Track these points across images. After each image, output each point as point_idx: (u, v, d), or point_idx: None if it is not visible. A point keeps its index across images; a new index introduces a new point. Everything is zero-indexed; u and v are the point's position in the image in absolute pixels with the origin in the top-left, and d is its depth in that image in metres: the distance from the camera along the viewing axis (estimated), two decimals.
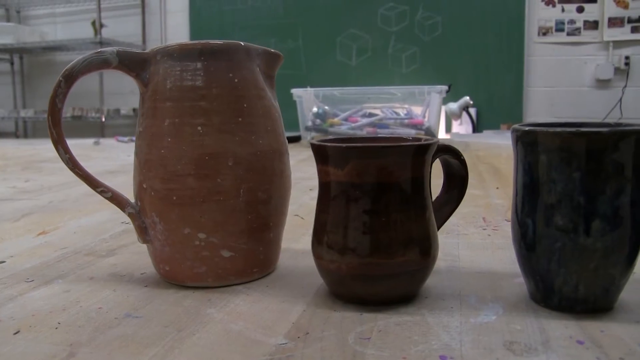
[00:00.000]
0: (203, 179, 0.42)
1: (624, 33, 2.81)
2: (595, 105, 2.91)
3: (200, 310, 0.40)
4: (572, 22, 2.90)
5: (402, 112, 1.67)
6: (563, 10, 2.90)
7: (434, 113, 1.63)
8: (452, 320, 0.37)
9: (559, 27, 2.92)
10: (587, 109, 2.92)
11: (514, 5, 2.96)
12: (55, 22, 3.61)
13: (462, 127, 2.91)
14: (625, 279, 0.38)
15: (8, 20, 3.64)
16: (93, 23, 3.16)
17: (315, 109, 1.62)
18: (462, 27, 3.05)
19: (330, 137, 0.41)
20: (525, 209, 0.39)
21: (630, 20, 2.79)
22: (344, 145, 0.37)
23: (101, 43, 3.03)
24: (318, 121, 1.61)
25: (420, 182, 0.39)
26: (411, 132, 1.58)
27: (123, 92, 3.41)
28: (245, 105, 0.44)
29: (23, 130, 3.77)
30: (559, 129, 0.36)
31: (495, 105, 3.04)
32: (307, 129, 1.60)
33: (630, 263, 0.38)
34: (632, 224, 0.37)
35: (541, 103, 3.02)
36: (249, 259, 0.45)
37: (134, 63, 0.44)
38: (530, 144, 0.38)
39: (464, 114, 2.79)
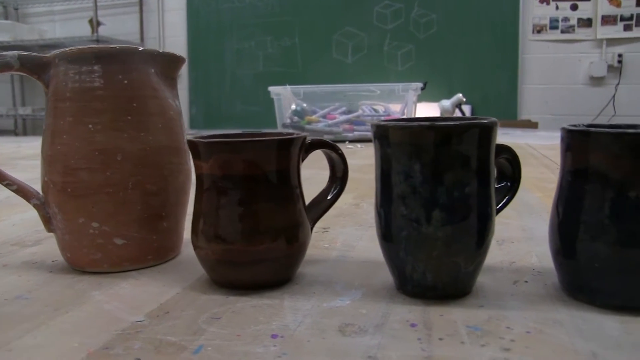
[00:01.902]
0: (94, 173, 0.46)
1: (617, 31, 2.82)
2: (589, 103, 2.91)
3: (86, 293, 0.44)
4: (566, 19, 2.90)
5: (380, 110, 1.70)
6: (557, 8, 2.91)
7: (410, 110, 1.66)
8: (305, 304, 0.40)
9: (553, 24, 2.93)
10: (581, 106, 2.93)
11: (508, 2, 2.98)
12: (54, 19, 3.68)
13: None
14: (472, 267, 0.41)
15: (6, 17, 3.70)
16: (90, 21, 3.21)
17: (293, 107, 1.65)
18: (457, 24, 3.07)
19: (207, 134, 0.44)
20: (380, 200, 0.42)
21: (622, 18, 2.80)
22: (205, 140, 0.41)
23: (98, 41, 3.09)
24: (296, 118, 1.64)
25: (285, 174, 0.42)
26: None
27: None
28: (135, 104, 0.47)
29: (22, 128, 3.84)
30: (406, 123, 0.39)
31: (490, 103, 3.05)
32: (285, 126, 1.64)
33: (476, 252, 0.40)
34: (477, 214, 0.40)
35: (536, 100, 3.03)
36: (142, 246, 0.48)
37: (35, 66, 0.48)
38: (382, 137, 0.40)
39: (457, 111, 2.81)
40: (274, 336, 0.35)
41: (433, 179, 0.39)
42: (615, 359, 0.32)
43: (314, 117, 1.63)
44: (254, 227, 0.41)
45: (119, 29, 3.48)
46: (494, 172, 0.42)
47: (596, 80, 2.90)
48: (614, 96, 2.86)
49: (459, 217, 0.39)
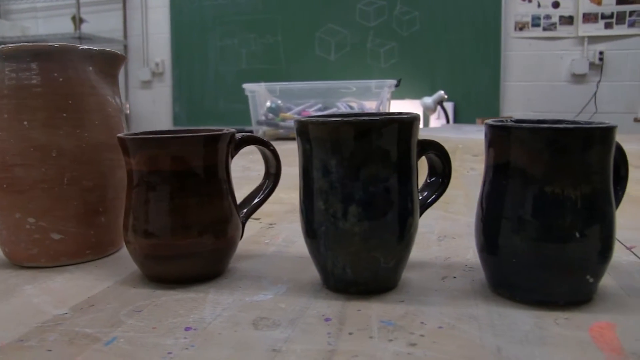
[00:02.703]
0: (29, 169, 0.47)
1: (597, 29, 2.84)
2: (570, 100, 2.94)
3: (18, 287, 0.44)
4: (548, 17, 2.92)
5: (356, 107, 1.71)
6: (539, 5, 2.93)
7: (385, 107, 1.67)
8: (227, 298, 0.41)
9: (535, 22, 2.95)
10: (563, 104, 2.95)
11: (490, 0, 2.99)
12: (36, 16, 3.66)
13: (438, 122, 2.95)
14: (394, 262, 0.41)
15: None
16: (73, 18, 3.20)
17: (268, 104, 1.66)
18: (440, 22, 3.08)
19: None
20: (302, 196, 0.42)
21: (603, 16, 2.82)
22: (131, 137, 0.41)
23: (80, 38, 3.08)
24: (270, 115, 1.65)
25: (213, 170, 0.43)
26: None
27: None
28: (71, 102, 0.48)
29: None
30: (324, 119, 0.40)
31: (473, 100, 3.07)
32: (259, 123, 1.64)
33: (397, 247, 0.41)
34: (397, 209, 0.40)
35: (518, 97, 3.04)
36: (80, 241, 0.49)
37: None
38: (303, 133, 0.41)
39: (439, 108, 2.82)
40: (187, 329, 0.36)
41: (350, 175, 0.39)
42: (517, 353, 0.32)
43: (288, 114, 1.64)
44: (180, 222, 0.42)
45: (102, 26, 3.47)
46: (416, 168, 0.43)
47: (578, 78, 2.92)
48: (595, 93, 2.89)
49: (377, 212, 0.40)
